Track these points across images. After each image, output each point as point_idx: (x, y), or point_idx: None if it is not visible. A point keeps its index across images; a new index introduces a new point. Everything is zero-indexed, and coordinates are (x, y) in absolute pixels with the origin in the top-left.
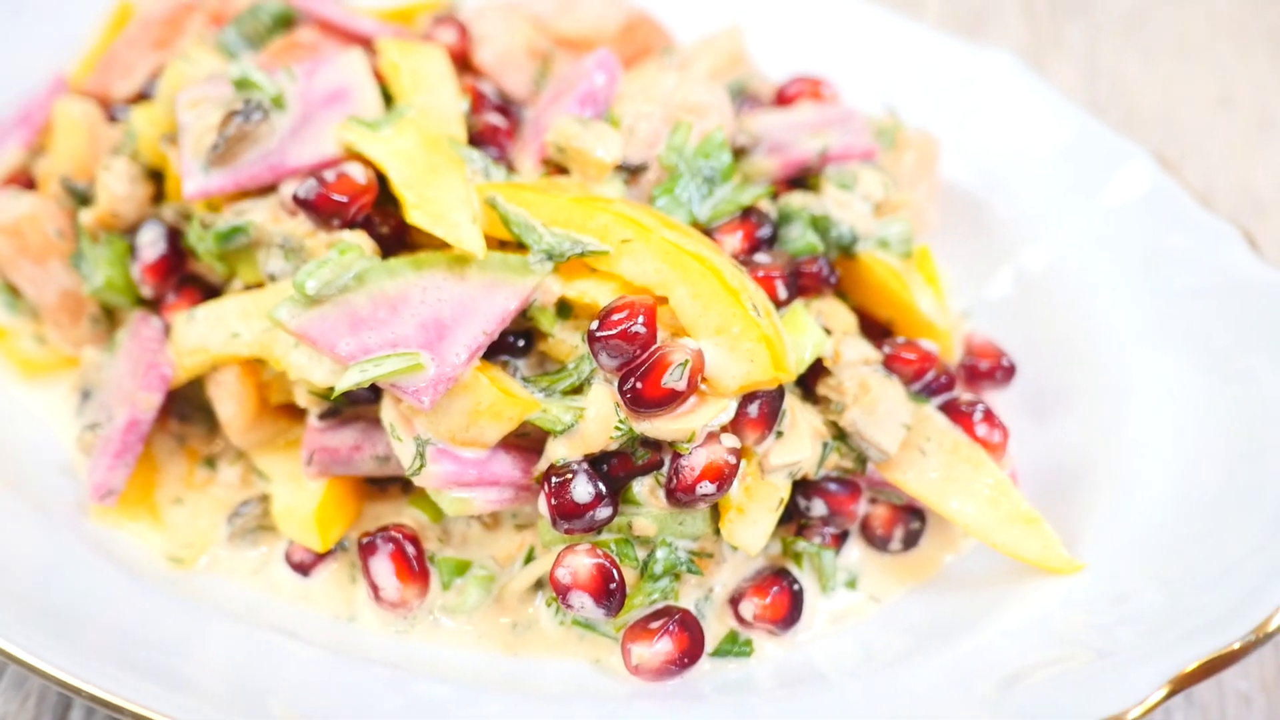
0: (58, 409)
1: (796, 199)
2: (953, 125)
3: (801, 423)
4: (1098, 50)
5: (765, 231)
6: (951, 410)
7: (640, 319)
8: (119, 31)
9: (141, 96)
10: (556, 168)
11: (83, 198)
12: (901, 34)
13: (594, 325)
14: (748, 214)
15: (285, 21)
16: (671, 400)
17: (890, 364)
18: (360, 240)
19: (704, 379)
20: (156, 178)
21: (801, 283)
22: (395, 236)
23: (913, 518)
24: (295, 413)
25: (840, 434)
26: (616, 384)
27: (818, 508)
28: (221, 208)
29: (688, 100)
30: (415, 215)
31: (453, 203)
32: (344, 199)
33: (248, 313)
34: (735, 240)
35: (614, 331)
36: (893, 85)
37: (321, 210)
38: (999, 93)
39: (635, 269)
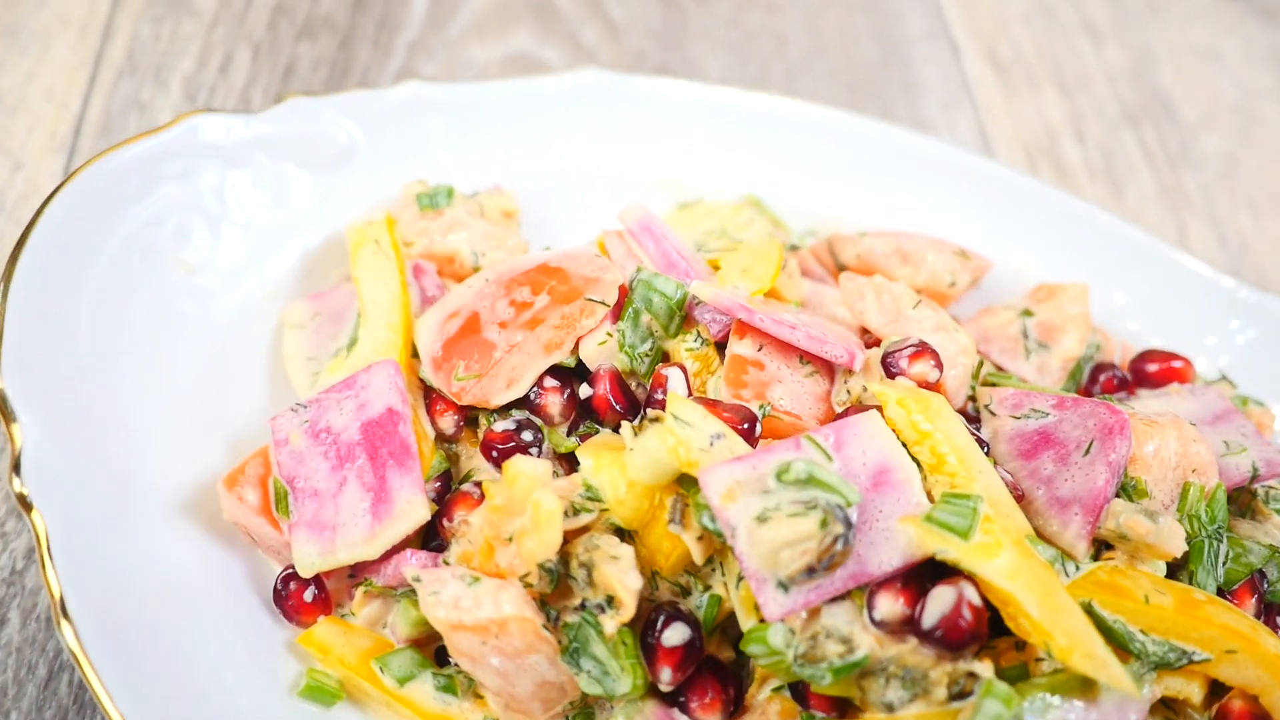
0: None
1: (1262, 536)
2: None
3: None
4: None
5: (1266, 589)
6: None
7: None
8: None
9: (525, 401)
10: (1099, 541)
11: (555, 579)
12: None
13: None
14: (1252, 574)
15: (679, 308)
16: None
17: None
18: (1000, 682)
19: None
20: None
21: None
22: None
23: None
24: None
25: None
26: None
27: None
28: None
29: (1192, 459)
30: (1077, 660)
31: (1084, 630)
32: (979, 633)
33: None
34: (1251, 605)
35: None
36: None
37: (955, 645)
38: None
39: (1234, 674)
